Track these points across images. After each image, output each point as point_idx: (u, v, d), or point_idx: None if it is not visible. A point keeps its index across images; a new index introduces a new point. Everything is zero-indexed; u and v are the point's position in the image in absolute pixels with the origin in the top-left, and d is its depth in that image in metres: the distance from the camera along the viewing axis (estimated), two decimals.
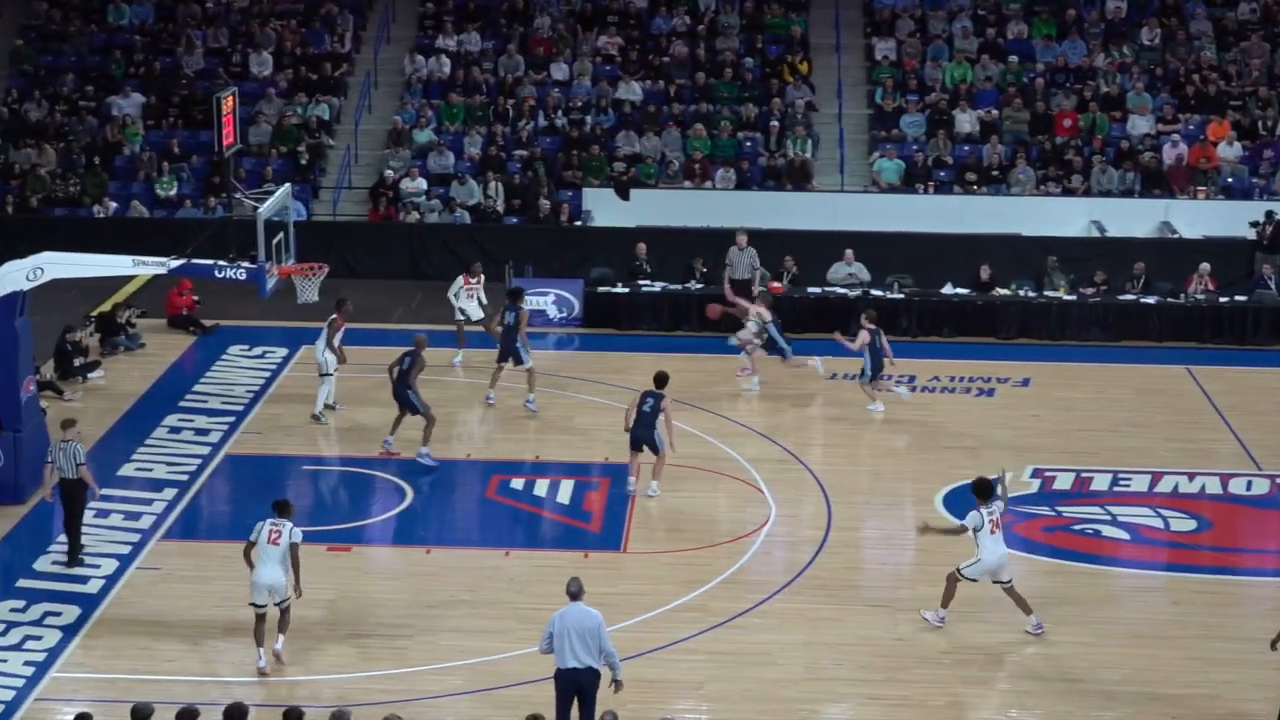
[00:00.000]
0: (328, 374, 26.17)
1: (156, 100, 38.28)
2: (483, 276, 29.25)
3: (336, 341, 26.05)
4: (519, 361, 26.56)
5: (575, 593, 16.55)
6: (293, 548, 18.45)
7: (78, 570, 20.83)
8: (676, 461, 24.74)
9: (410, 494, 23.51)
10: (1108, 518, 23.14)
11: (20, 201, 35.74)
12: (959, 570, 19.46)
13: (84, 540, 21.28)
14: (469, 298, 29.04)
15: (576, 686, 16.31)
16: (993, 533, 19.17)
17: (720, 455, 25.11)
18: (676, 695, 18.23)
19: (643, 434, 23.26)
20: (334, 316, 26.15)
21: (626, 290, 31.47)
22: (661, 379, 23.51)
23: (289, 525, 18.57)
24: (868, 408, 26.97)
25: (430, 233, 34.78)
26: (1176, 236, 34.34)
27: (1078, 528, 22.85)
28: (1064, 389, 28.43)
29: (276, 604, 18.57)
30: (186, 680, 18.22)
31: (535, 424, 26.22)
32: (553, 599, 19.84)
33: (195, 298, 30.74)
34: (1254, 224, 33.88)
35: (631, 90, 38.25)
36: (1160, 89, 38.13)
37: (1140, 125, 37.14)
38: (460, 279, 29.23)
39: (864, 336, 26.68)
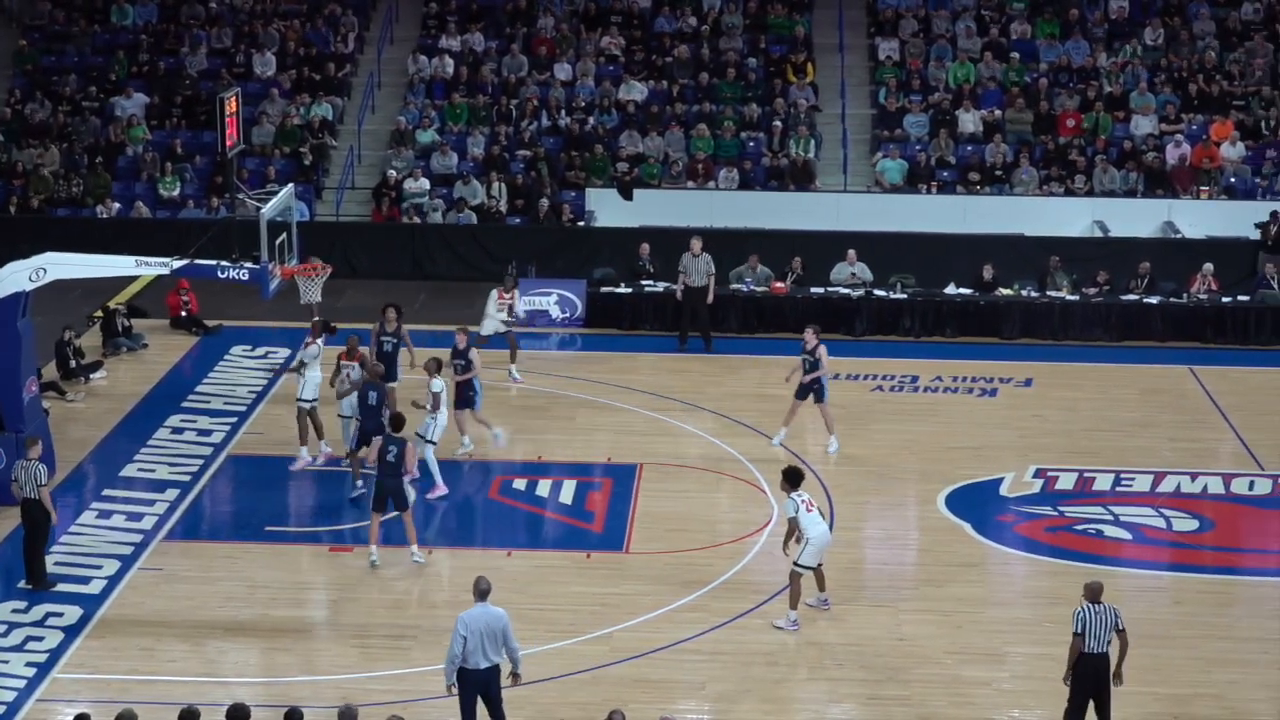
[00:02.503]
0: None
1: (160, 100, 38.28)
2: (517, 291, 28.74)
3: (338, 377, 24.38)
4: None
5: (485, 591, 16.37)
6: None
7: (79, 571, 20.78)
8: (679, 462, 24.75)
9: (413, 494, 23.44)
10: (1110, 518, 23.11)
11: (23, 202, 35.74)
12: (795, 564, 19.59)
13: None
14: (499, 310, 28.21)
15: (484, 686, 16.25)
16: (809, 511, 19.50)
17: (723, 455, 25.09)
18: (679, 695, 18.21)
19: (391, 484, 21.03)
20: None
21: (629, 290, 31.42)
22: (397, 422, 21.37)
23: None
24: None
25: (433, 233, 34.75)
26: (1179, 237, 34.31)
27: (1080, 528, 22.81)
28: (1067, 389, 28.38)
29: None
30: (188, 681, 18.20)
31: (538, 424, 26.19)
32: (555, 599, 20.00)
33: (185, 298, 30.56)
34: (1259, 225, 33.87)
35: (635, 90, 38.24)
36: (1163, 89, 38.09)
37: (1143, 125, 37.11)
38: (494, 293, 28.36)
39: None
